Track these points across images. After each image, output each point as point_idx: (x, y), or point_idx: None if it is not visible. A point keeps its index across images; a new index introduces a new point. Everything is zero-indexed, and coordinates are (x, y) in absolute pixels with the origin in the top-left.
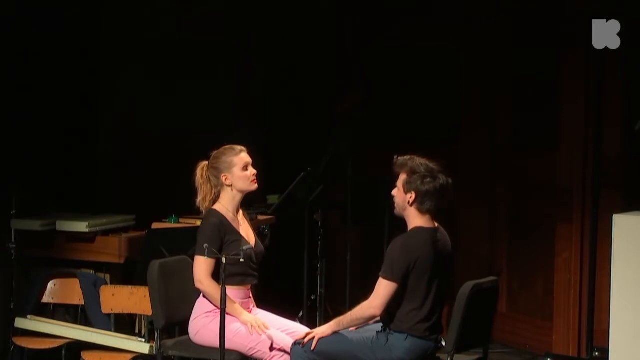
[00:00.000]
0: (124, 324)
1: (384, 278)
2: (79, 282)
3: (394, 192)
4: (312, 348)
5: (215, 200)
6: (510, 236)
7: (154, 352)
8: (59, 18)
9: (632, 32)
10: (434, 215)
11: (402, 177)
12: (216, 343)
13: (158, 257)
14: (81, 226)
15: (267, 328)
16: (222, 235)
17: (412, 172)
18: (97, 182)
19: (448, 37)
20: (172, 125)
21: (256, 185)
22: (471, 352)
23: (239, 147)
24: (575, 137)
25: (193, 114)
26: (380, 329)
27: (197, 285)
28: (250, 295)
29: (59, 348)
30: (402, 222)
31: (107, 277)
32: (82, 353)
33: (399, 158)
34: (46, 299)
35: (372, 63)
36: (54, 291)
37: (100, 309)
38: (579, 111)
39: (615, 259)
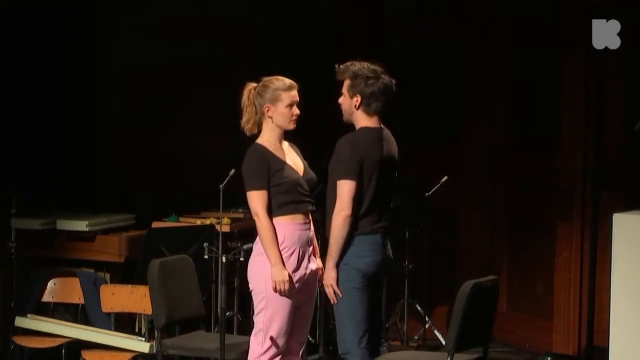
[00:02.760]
0: (124, 323)
1: (341, 179)
2: (79, 281)
3: (340, 99)
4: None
5: (259, 127)
6: (510, 236)
7: (154, 351)
8: (58, 18)
9: (632, 32)
10: (381, 116)
11: (346, 83)
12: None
13: (158, 256)
14: (81, 225)
15: (288, 297)
16: (267, 165)
17: (354, 76)
18: (97, 182)
19: (448, 37)
20: (172, 125)
21: (294, 126)
22: (471, 351)
23: (289, 82)
24: (575, 137)
25: (193, 113)
26: None
27: (255, 218)
28: (310, 226)
29: (59, 347)
30: (401, 221)
31: (107, 276)
32: (82, 352)
33: (341, 66)
34: (46, 298)
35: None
36: (54, 290)
37: (100, 308)
38: (579, 111)
39: (615, 259)
